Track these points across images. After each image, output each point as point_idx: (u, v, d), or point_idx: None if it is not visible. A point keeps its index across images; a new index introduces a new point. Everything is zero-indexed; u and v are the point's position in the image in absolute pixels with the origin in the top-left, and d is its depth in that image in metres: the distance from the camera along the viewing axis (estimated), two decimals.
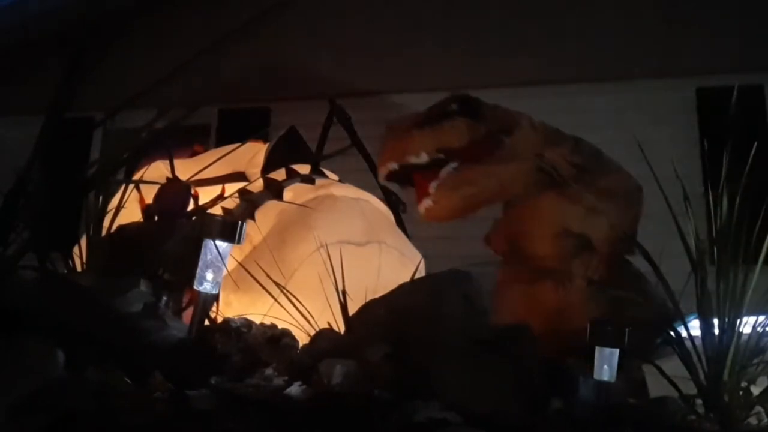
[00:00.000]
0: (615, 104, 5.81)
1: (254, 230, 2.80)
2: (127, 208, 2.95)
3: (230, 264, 2.57)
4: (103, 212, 2.83)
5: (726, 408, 2.46)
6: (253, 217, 2.84)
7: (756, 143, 2.86)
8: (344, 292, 2.51)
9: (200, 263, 2.25)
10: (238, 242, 2.26)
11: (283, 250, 2.75)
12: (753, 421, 2.46)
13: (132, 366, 1.87)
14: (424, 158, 2.97)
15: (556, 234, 3.14)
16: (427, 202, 2.90)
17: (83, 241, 2.73)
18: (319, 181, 3.20)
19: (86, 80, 2.28)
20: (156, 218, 2.82)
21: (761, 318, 2.59)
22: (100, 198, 2.80)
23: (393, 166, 2.90)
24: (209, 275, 2.25)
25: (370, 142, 4.69)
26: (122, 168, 2.90)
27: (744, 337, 2.55)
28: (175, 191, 2.93)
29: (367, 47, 6.20)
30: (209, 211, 2.81)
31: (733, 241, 2.63)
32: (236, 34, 5.53)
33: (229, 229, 2.25)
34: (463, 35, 6.11)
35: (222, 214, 2.83)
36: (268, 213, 2.87)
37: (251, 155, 3.31)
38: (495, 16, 6.13)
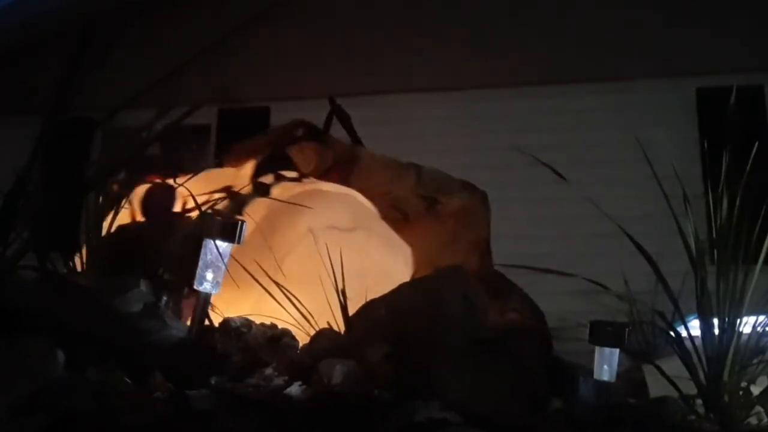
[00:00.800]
0: (615, 104, 5.80)
1: (253, 211, 2.86)
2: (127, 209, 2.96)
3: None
4: (103, 212, 2.83)
5: (726, 408, 2.46)
6: (241, 213, 2.86)
7: (756, 143, 2.86)
8: (344, 292, 2.51)
9: (200, 263, 2.25)
10: (238, 242, 2.26)
11: (273, 237, 2.81)
12: (753, 421, 2.46)
13: (132, 366, 1.87)
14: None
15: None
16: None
17: (83, 241, 2.73)
18: (306, 180, 3.26)
19: (86, 80, 2.28)
20: (143, 218, 2.84)
21: (761, 318, 2.59)
22: (100, 198, 2.80)
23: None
24: (209, 275, 2.25)
25: (370, 142, 4.69)
26: (122, 168, 2.90)
27: (744, 337, 2.55)
28: (161, 192, 2.97)
29: (367, 47, 6.19)
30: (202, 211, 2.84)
31: (733, 241, 2.63)
32: (236, 34, 5.54)
33: (230, 229, 2.25)
34: (463, 35, 6.10)
35: (213, 212, 2.84)
36: (257, 209, 2.92)
37: (233, 175, 3.38)
38: (495, 16, 6.11)
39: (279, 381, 2.03)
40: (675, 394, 2.46)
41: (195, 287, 2.25)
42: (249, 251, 2.56)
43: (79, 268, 2.69)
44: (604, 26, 5.97)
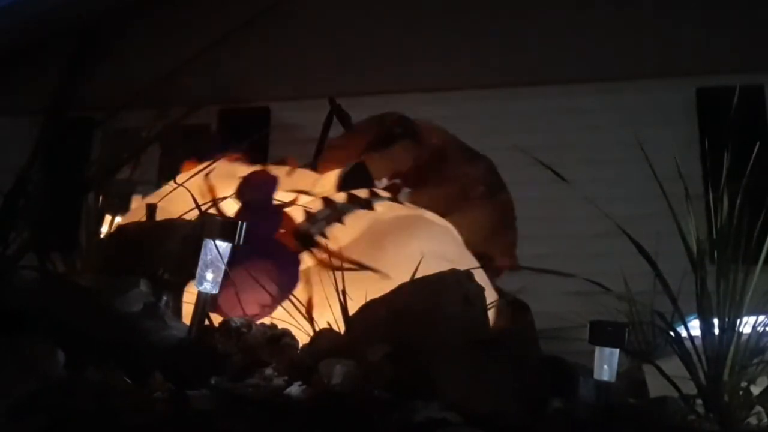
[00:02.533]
0: (615, 104, 5.81)
1: (342, 232, 2.80)
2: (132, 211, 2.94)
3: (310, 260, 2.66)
4: (103, 212, 2.83)
5: (726, 408, 2.46)
6: (340, 221, 2.85)
7: (756, 143, 2.86)
8: (344, 292, 2.51)
9: (200, 263, 2.24)
10: (238, 243, 2.26)
11: (382, 253, 2.75)
12: (753, 421, 2.46)
13: (132, 366, 1.87)
14: (384, 183, 3.08)
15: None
16: None
17: (83, 241, 2.73)
18: (407, 204, 3.24)
19: (86, 80, 2.28)
20: (243, 205, 2.75)
21: (761, 318, 2.59)
22: (100, 198, 2.80)
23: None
24: (209, 275, 2.25)
25: None
26: (122, 168, 2.90)
27: (744, 337, 2.56)
28: (261, 180, 2.90)
29: (367, 47, 6.19)
30: (285, 210, 2.81)
31: (733, 241, 2.63)
32: (236, 34, 5.53)
33: (230, 229, 2.25)
34: (463, 35, 6.11)
35: (305, 213, 2.84)
36: (357, 220, 2.88)
37: (313, 179, 3.34)
38: (495, 16, 6.12)
39: (279, 381, 2.03)
40: (675, 394, 2.46)
41: (195, 287, 2.25)
42: (353, 257, 2.59)
43: (79, 268, 2.69)
44: (604, 26, 5.97)
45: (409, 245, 2.80)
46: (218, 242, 2.25)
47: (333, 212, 2.89)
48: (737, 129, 2.82)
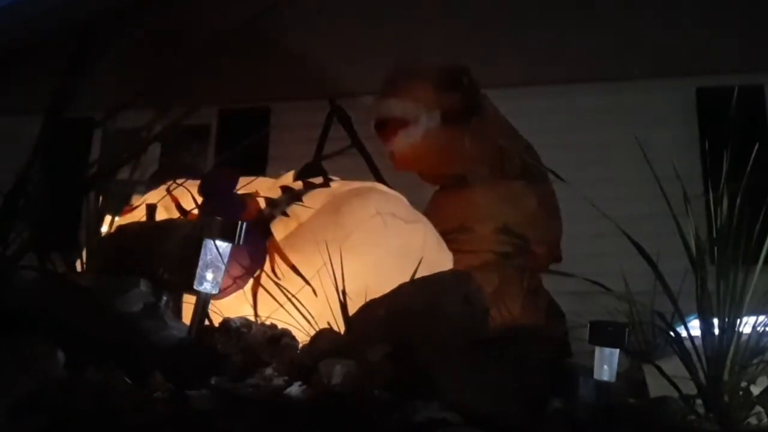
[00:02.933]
0: (615, 104, 5.81)
1: (302, 210, 2.96)
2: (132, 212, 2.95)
3: (276, 235, 2.83)
4: (103, 212, 2.83)
5: (726, 408, 2.46)
6: (299, 200, 2.99)
7: (756, 144, 2.86)
8: (344, 292, 2.51)
9: (200, 263, 2.24)
10: (238, 242, 2.26)
11: (339, 216, 2.92)
12: (753, 421, 2.46)
13: (132, 366, 1.87)
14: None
15: (497, 229, 3.30)
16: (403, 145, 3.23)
17: (83, 241, 2.73)
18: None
19: (86, 80, 2.28)
20: (203, 201, 2.84)
21: (761, 318, 2.59)
22: (100, 198, 2.80)
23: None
24: (209, 275, 2.25)
25: (370, 142, 4.69)
26: (122, 168, 2.90)
27: (744, 337, 2.55)
28: (222, 175, 3.01)
29: (367, 47, 6.19)
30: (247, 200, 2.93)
31: (733, 241, 2.63)
32: (236, 34, 5.53)
33: (230, 229, 2.25)
34: (463, 35, 6.11)
35: (265, 202, 2.98)
36: (315, 198, 3.04)
37: (270, 183, 3.43)
38: (495, 16, 6.12)
39: (279, 381, 2.03)
40: (675, 394, 2.46)
41: (195, 287, 2.25)
42: (314, 226, 2.80)
43: (79, 268, 2.69)
44: (604, 26, 5.97)
45: (365, 206, 3.00)
46: (218, 242, 2.25)
47: (291, 195, 3.04)
48: (737, 129, 2.82)
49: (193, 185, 2.96)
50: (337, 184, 3.18)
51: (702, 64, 5.74)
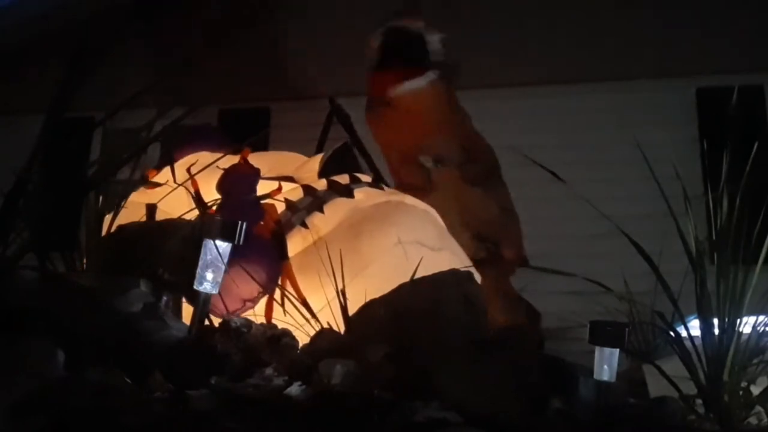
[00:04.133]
0: (615, 104, 5.81)
1: (322, 222, 2.83)
2: (128, 209, 2.94)
3: (291, 250, 2.71)
4: (103, 212, 2.83)
5: (726, 408, 2.46)
6: (321, 210, 2.86)
7: (756, 143, 2.86)
8: (344, 293, 2.51)
9: (200, 263, 2.24)
10: (238, 242, 2.26)
11: (358, 241, 2.78)
12: (753, 421, 2.46)
13: (132, 366, 1.87)
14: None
15: (473, 236, 3.26)
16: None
17: (83, 241, 2.73)
18: (387, 189, 3.24)
19: (86, 80, 2.28)
20: (222, 199, 2.74)
21: (761, 318, 2.59)
22: (100, 198, 2.80)
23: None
24: (209, 275, 2.25)
25: (370, 142, 4.69)
26: (122, 168, 2.90)
27: (744, 337, 2.55)
28: (243, 173, 2.87)
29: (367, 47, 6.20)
30: (268, 201, 2.82)
31: (733, 242, 2.63)
32: (236, 34, 5.54)
33: (230, 229, 2.25)
34: (462, 35, 6.11)
35: (285, 205, 2.85)
36: (337, 209, 2.89)
37: (298, 163, 3.35)
38: (494, 16, 6.12)
39: (279, 381, 2.03)
40: (675, 394, 2.46)
41: (195, 287, 2.25)
42: (333, 247, 2.60)
43: (79, 268, 2.69)
44: (604, 26, 5.97)
45: (386, 233, 2.84)
46: (218, 242, 2.25)
47: (313, 201, 2.90)
48: (737, 129, 2.82)
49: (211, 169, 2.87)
50: (361, 195, 3.00)
51: (702, 64, 5.74)
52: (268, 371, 2.08)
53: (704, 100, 5.77)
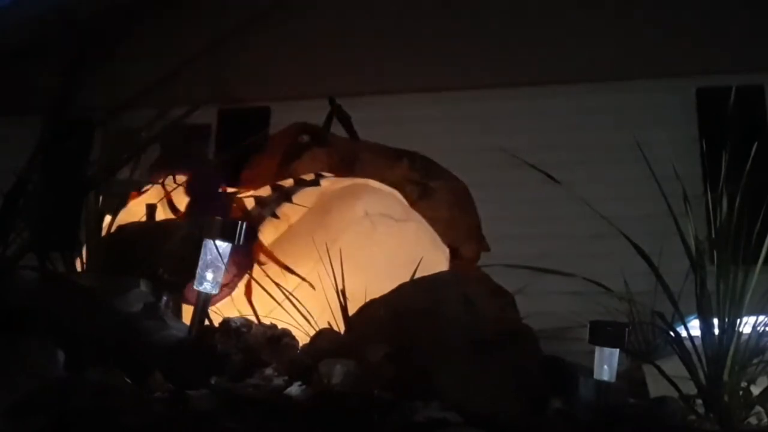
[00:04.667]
0: (615, 104, 5.81)
1: (291, 210, 2.91)
2: (129, 208, 2.95)
3: (266, 240, 2.79)
4: (103, 212, 2.82)
5: (726, 408, 2.46)
6: (289, 200, 2.95)
7: (756, 143, 2.86)
8: (343, 293, 2.51)
9: (200, 263, 2.25)
10: (238, 242, 2.26)
11: (328, 217, 2.88)
12: (753, 421, 2.46)
13: (132, 366, 1.87)
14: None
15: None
16: None
17: (83, 241, 2.73)
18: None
19: (87, 80, 2.28)
20: (189, 201, 2.84)
21: (761, 318, 2.59)
22: (100, 198, 2.80)
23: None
24: (209, 275, 2.25)
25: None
26: (122, 168, 2.90)
27: (744, 337, 2.56)
28: (208, 174, 2.99)
29: (367, 47, 6.20)
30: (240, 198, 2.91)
31: (733, 241, 2.63)
32: (236, 34, 5.53)
33: (230, 229, 2.25)
34: (462, 35, 6.11)
35: (255, 201, 2.94)
36: (305, 198, 2.98)
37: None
38: (495, 16, 6.13)
39: (279, 381, 2.03)
40: (675, 394, 2.46)
41: (195, 287, 2.25)
42: (303, 228, 2.73)
43: (79, 268, 2.69)
44: (603, 26, 5.97)
45: (352, 206, 2.95)
46: (218, 242, 2.25)
47: (281, 194, 3.00)
48: (737, 129, 2.82)
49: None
50: (327, 182, 3.12)
51: (702, 64, 5.74)
52: (268, 371, 2.08)
53: (704, 100, 5.77)
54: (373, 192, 3.14)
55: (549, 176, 3.15)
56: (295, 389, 1.95)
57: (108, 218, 2.83)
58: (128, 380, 1.84)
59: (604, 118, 5.81)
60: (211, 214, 2.45)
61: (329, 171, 3.31)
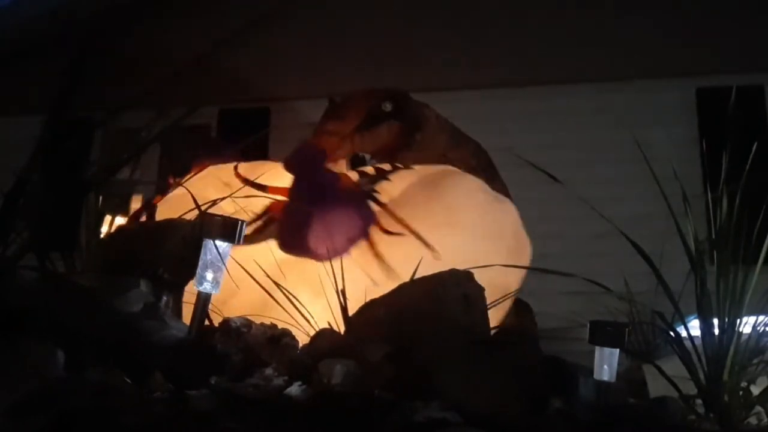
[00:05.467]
0: (615, 104, 5.82)
1: (390, 187, 2.92)
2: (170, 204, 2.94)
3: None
4: (103, 212, 2.83)
5: (726, 408, 2.46)
6: (386, 178, 2.96)
7: (756, 143, 2.86)
8: (343, 293, 2.51)
9: (200, 263, 2.24)
10: (238, 242, 2.26)
11: (441, 188, 2.88)
12: (753, 421, 2.46)
13: (132, 366, 1.87)
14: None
15: None
16: None
17: (83, 241, 2.73)
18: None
19: (87, 80, 2.28)
20: (294, 180, 2.80)
21: (761, 318, 2.59)
22: (100, 198, 2.80)
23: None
24: (209, 275, 2.25)
25: None
26: (122, 168, 2.90)
27: (744, 337, 2.56)
28: (310, 153, 2.98)
29: (367, 47, 6.20)
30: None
31: (733, 242, 2.63)
32: (236, 34, 5.53)
33: (230, 228, 2.25)
34: (462, 35, 6.11)
35: (355, 181, 2.94)
36: (402, 178, 2.99)
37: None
38: (494, 16, 6.13)
39: (279, 381, 2.03)
40: (675, 394, 2.46)
41: (195, 287, 2.25)
42: (412, 200, 2.76)
43: (79, 268, 2.69)
44: (603, 26, 5.97)
45: (469, 180, 2.98)
46: (218, 242, 2.25)
47: (376, 174, 3.00)
48: (737, 129, 2.82)
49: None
50: (419, 167, 3.11)
51: (702, 64, 5.74)
52: (268, 371, 2.08)
53: (704, 100, 5.77)
54: (457, 177, 3.12)
55: (550, 176, 3.15)
56: (295, 389, 1.95)
57: (108, 218, 2.82)
58: (128, 380, 1.84)
59: (604, 118, 5.81)
60: (318, 192, 2.45)
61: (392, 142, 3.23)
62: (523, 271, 2.98)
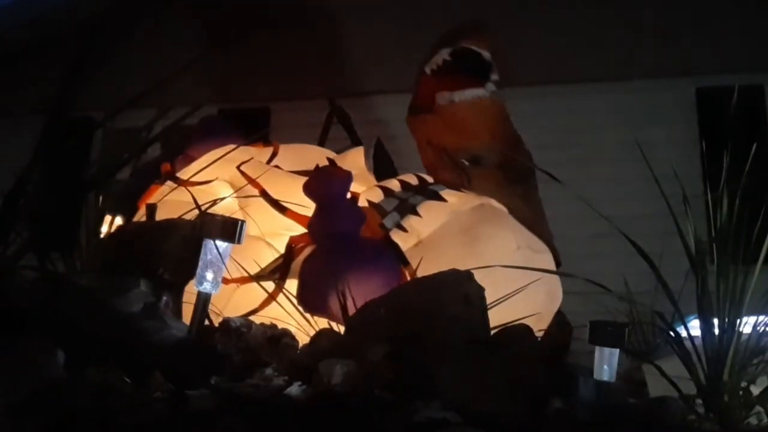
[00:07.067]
0: (615, 104, 5.81)
1: (419, 224, 2.83)
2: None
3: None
4: (103, 212, 2.83)
5: (726, 408, 2.46)
6: (415, 212, 2.86)
7: (756, 143, 2.86)
8: (343, 293, 2.51)
9: (200, 263, 2.24)
10: (238, 242, 2.26)
11: (479, 244, 2.81)
12: (753, 421, 2.46)
13: (132, 366, 1.87)
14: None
15: None
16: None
17: (83, 241, 2.73)
18: (465, 191, 3.22)
19: (87, 80, 2.28)
20: (317, 206, 2.65)
21: (761, 318, 2.59)
22: (100, 198, 2.80)
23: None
24: (209, 275, 2.25)
25: (370, 142, 4.69)
26: (122, 168, 2.90)
27: (744, 337, 2.55)
28: (333, 176, 2.78)
29: (367, 47, 6.20)
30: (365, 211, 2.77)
31: (733, 241, 2.63)
32: (236, 35, 5.54)
33: (230, 229, 2.25)
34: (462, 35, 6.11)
35: (373, 207, 2.84)
36: (433, 212, 2.89)
37: (329, 158, 3.36)
38: (494, 16, 6.12)
39: (279, 381, 2.03)
40: (675, 394, 2.46)
41: (195, 287, 2.25)
42: (447, 252, 2.68)
43: (79, 268, 2.69)
44: (603, 26, 5.97)
45: (507, 240, 2.91)
46: (218, 242, 2.25)
47: (401, 203, 2.90)
48: (737, 129, 2.82)
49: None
50: (453, 198, 2.99)
51: (702, 64, 5.74)
52: (268, 371, 2.08)
53: (704, 100, 5.77)
54: (514, 222, 3.09)
55: (550, 175, 3.15)
56: (295, 389, 1.96)
57: (108, 218, 2.82)
58: (128, 380, 1.84)
59: (604, 118, 5.81)
60: (342, 224, 2.43)
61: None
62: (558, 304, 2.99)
